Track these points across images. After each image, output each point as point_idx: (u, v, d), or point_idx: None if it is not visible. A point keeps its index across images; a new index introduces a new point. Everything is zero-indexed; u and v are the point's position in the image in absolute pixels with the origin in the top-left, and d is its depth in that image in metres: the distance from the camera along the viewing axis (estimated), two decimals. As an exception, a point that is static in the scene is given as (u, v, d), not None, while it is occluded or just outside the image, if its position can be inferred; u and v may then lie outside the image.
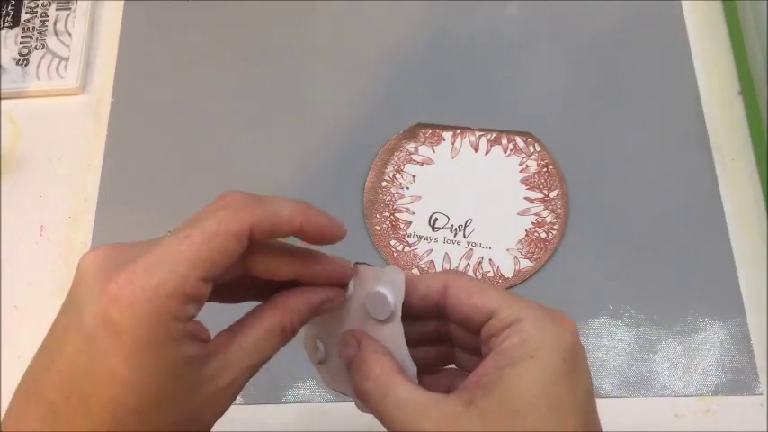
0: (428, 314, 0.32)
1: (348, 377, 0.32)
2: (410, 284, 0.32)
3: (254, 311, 0.31)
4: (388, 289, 0.32)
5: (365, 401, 0.31)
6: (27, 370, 0.28)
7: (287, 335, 0.31)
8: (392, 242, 0.52)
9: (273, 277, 0.31)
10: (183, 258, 0.26)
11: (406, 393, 0.29)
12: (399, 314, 0.32)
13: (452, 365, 0.34)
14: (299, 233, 0.30)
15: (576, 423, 0.28)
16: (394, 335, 0.32)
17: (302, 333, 0.34)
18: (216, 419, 0.29)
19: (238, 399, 0.48)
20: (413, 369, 0.31)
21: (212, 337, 0.29)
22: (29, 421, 0.26)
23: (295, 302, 0.31)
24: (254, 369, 0.30)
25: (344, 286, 0.33)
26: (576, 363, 0.29)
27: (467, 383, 0.29)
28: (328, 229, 0.31)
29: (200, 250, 0.27)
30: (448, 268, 0.51)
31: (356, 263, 0.33)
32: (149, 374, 0.26)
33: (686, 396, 0.48)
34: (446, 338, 0.34)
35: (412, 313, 0.32)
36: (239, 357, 0.29)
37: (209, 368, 0.28)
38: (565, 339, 0.29)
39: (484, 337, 0.30)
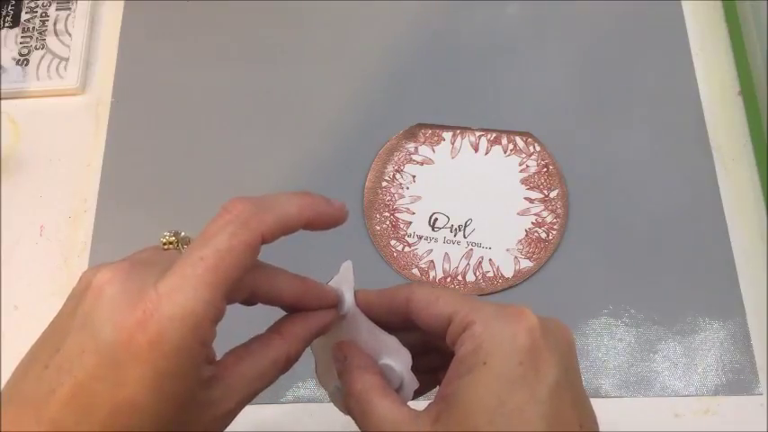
0: (406, 327, 0.32)
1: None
2: (377, 301, 0.32)
3: (261, 338, 0.31)
4: (342, 283, 0.33)
5: (354, 419, 0.31)
6: (23, 381, 0.26)
7: (290, 364, 0.31)
8: (392, 242, 0.52)
9: (276, 302, 0.31)
10: (204, 283, 0.26)
11: (382, 412, 0.29)
12: (352, 302, 0.32)
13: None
14: (307, 226, 0.30)
15: (537, 427, 0.26)
16: (361, 325, 0.32)
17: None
18: None
19: (238, 399, 0.49)
20: (403, 373, 0.31)
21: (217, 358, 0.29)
22: None
23: (300, 330, 0.31)
24: (253, 396, 0.30)
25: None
26: (535, 362, 0.27)
27: (437, 394, 0.29)
28: (333, 215, 0.31)
29: (219, 271, 0.26)
30: (447, 269, 0.51)
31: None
32: (170, 403, 0.26)
33: (686, 396, 0.48)
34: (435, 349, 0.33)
35: (393, 327, 0.32)
36: (244, 384, 0.29)
37: (215, 392, 0.28)
38: (519, 339, 0.28)
39: (449, 344, 0.30)
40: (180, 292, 0.25)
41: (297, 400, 0.49)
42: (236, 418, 0.50)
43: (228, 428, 0.50)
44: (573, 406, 0.28)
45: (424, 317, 0.31)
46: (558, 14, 0.60)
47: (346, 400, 0.31)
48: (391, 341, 0.32)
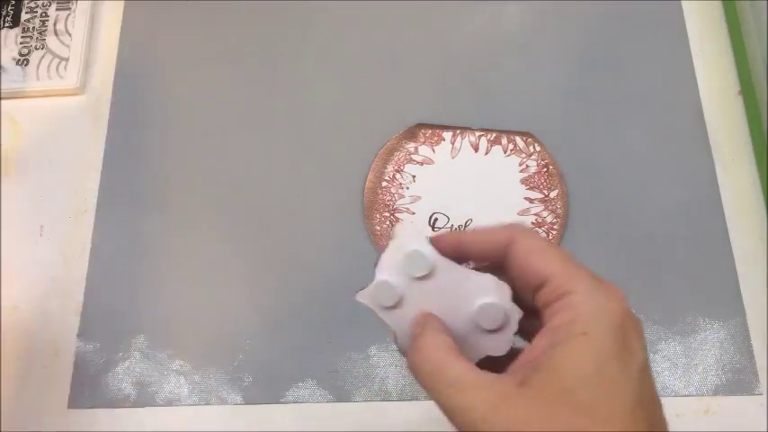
0: (493, 264, 0.32)
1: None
2: (471, 238, 0.32)
3: None
4: (411, 243, 0.31)
5: (418, 378, 0.30)
6: None
7: None
8: (392, 242, 0.52)
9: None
10: None
11: (458, 371, 0.29)
12: (433, 255, 0.31)
13: None
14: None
15: (628, 400, 0.27)
16: (450, 275, 0.31)
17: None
18: None
19: (239, 399, 0.49)
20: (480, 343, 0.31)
21: None
22: None
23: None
24: None
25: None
26: (626, 342, 0.28)
27: (521, 361, 0.29)
28: None
29: None
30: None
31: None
32: None
33: (686, 396, 0.48)
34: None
35: (475, 260, 0.32)
36: None
37: None
38: (616, 318, 0.28)
39: (538, 304, 0.30)
40: None
41: (297, 400, 0.49)
42: (236, 419, 0.50)
43: (228, 428, 0.50)
44: (654, 389, 0.29)
45: (521, 267, 0.30)
46: (557, 14, 0.60)
47: (413, 357, 0.30)
48: (488, 279, 0.31)
